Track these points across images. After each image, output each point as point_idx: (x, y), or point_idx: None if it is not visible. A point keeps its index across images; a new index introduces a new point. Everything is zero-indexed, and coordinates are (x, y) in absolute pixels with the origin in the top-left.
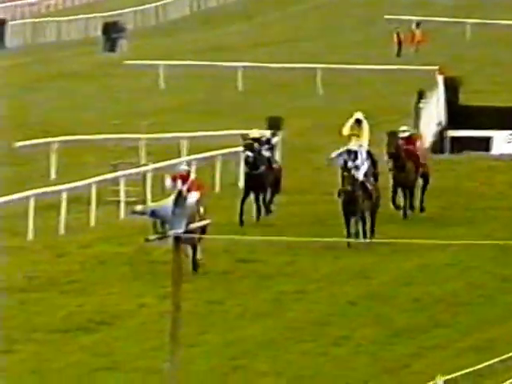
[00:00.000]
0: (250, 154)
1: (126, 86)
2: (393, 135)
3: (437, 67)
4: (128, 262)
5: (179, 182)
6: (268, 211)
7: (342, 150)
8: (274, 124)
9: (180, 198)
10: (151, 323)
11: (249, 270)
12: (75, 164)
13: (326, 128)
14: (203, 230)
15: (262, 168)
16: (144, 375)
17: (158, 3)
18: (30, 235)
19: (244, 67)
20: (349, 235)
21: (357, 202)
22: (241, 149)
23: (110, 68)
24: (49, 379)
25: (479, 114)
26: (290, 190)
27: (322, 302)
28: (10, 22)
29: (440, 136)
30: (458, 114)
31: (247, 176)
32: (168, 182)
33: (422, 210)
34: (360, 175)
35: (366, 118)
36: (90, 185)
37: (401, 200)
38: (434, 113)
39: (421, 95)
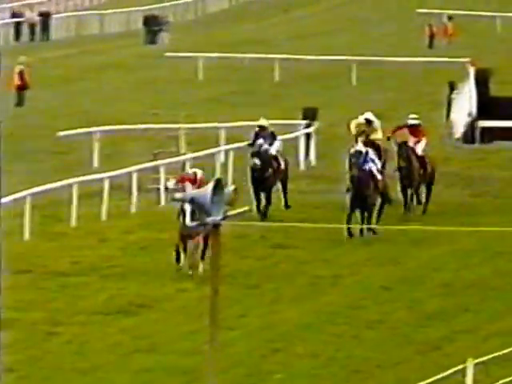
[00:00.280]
0: (257, 161)
1: (166, 78)
2: (404, 146)
3: (468, 59)
4: (167, 248)
5: (188, 184)
6: (287, 205)
7: (351, 150)
8: (310, 114)
9: (218, 186)
10: (190, 307)
11: (285, 255)
12: (117, 153)
13: None
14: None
15: (270, 171)
16: (183, 357)
17: None
18: (73, 221)
19: (280, 59)
20: (349, 229)
21: (367, 197)
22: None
23: (151, 60)
24: (90, 360)
25: (509, 104)
26: (324, 180)
27: (355, 286)
28: (54, 15)
29: (471, 126)
30: (488, 105)
31: (254, 179)
32: (171, 183)
33: (419, 202)
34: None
35: (376, 116)
36: (131, 173)
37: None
38: (465, 104)
39: (452, 86)
